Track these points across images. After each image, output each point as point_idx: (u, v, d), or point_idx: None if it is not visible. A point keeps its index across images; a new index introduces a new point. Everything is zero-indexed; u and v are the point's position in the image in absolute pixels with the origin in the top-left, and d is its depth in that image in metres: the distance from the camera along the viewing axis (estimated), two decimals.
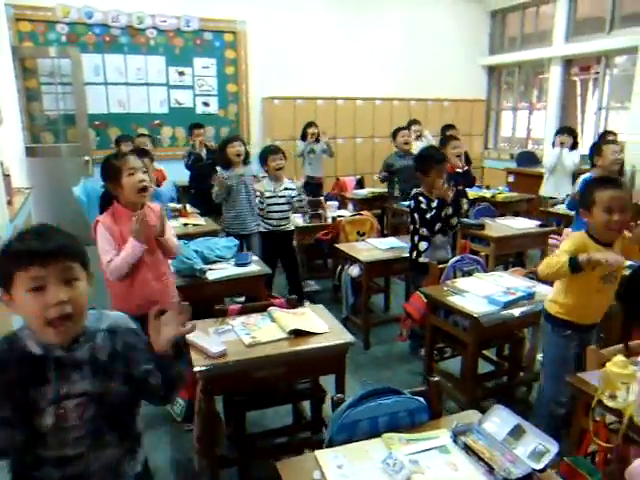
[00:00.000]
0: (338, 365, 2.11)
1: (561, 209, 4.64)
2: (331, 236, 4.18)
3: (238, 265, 3.03)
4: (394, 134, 5.23)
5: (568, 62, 7.56)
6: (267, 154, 3.82)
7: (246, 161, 4.03)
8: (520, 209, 5.47)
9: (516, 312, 2.46)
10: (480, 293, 2.64)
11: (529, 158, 7.41)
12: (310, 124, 6.18)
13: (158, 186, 4.30)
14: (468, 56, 8.49)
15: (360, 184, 6.29)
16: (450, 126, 5.68)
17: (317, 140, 6.15)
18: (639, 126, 5.85)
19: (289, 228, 4.01)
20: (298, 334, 2.06)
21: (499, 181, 7.26)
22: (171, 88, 6.61)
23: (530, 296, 2.56)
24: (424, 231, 3.13)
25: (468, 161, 4.98)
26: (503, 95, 9.06)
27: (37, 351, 1.15)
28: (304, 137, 6.13)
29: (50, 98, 5.98)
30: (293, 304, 2.35)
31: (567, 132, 5.21)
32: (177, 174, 5.60)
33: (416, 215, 3.12)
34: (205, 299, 3.06)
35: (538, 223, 4.21)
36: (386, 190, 5.52)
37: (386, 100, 7.64)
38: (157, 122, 6.61)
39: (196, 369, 1.83)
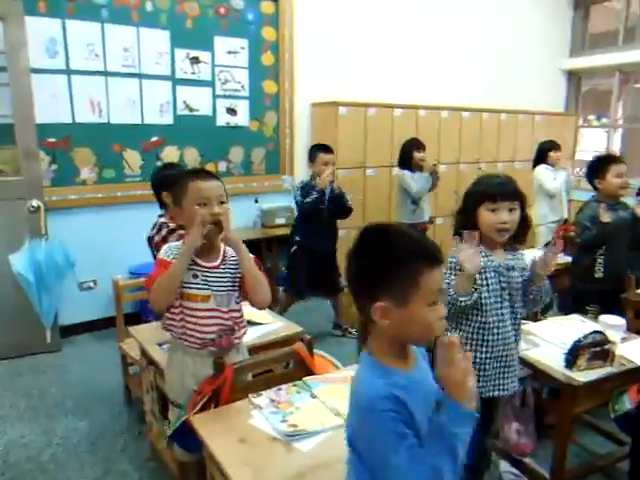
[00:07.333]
0: None
1: None
2: None
3: None
4: (596, 169, 2.87)
5: None
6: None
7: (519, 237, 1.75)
8: None
9: None
10: None
11: None
12: (418, 144, 4.01)
13: None
14: (550, 59, 6.52)
15: None
16: None
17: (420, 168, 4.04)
18: None
19: None
20: None
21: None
22: (178, 84, 4.00)
23: None
24: None
25: None
26: (583, 108, 7.13)
27: None
28: (405, 163, 3.98)
29: None
30: None
31: None
32: None
33: None
34: None
35: None
36: (567, 261, 3.18)
37: (475, 111, 5.42)
38: (155, 139, 3.97)
39: None
